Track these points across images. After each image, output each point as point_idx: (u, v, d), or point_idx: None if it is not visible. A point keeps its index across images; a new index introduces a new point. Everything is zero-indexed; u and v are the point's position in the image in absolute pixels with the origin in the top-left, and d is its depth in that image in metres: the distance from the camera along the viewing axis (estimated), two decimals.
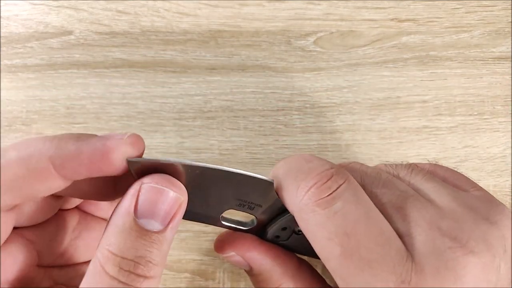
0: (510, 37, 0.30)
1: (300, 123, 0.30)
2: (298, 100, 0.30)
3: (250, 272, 0.20)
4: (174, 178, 0.17)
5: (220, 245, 0.20)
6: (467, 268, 0.17)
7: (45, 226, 0.21)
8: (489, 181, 0.29)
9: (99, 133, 0.29)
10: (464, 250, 0.17)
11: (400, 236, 0.18)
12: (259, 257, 0.20)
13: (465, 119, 0.30)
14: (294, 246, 0.21)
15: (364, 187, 0.19)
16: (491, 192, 0.21)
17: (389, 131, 0.30)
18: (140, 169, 0.17)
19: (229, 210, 0.19)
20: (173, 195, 0.17)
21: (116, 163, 0.17)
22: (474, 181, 0.22)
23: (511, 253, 0.18)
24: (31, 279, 0.20)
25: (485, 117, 0.30)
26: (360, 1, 0.30)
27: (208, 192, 0.18)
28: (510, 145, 0.30)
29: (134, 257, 0.16)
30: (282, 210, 0.20)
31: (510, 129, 0.30)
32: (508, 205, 0.29)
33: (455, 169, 0.23)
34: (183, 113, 0.30)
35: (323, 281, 0.21)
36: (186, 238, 0.29)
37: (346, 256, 0.17)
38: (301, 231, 0.19)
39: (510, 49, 0.30)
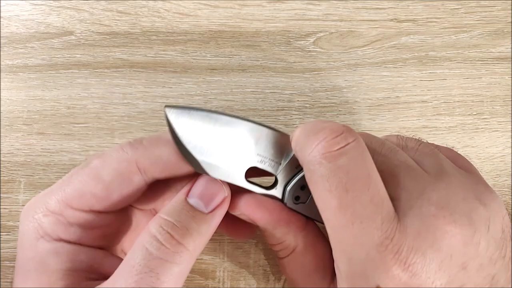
0: (509, 37, 0.31)
1: (300, 123, 0.30)
2: (298, 100, 0.30)
3: (258, 228, 0.22)
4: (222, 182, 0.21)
5: (232, 205, 0.22)
6: (446, 235, 0.18)
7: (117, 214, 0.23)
8: (488, 181, 0.29)
9: (99, 133, 0.29)
10: (446, 220, 0.18)
11: (392, 199, 0.19)
12: (264, 218, 0.21)
13: (464, 119, 0.30)
14: (314, 210, 0.21)
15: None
16: None
17: (388, 131, 0.30)
18: (176, 116, 0.20)
19: (252, 166, 0.21)
20: (220, 187, 0.21)
21: (186, 167, 0.21)
22: None
23: (496, 234, 0.19)
24: None
25: (484, 117, 0.30)
26: (360, 2, 0.31)
27: (233, 145, 0.21)
28: (509, 145, 0.30)
29: (174, 220, 0.20)
30: (300, 170, 0.21)
31: (509, 129, 0.30)
32: (508, 205, 0.29)
33: None
34: None
35: (328, 244, 0.22)
36: None
37: (341, 209, 0.18)
38: None
39: (509, 49, 0.30)
